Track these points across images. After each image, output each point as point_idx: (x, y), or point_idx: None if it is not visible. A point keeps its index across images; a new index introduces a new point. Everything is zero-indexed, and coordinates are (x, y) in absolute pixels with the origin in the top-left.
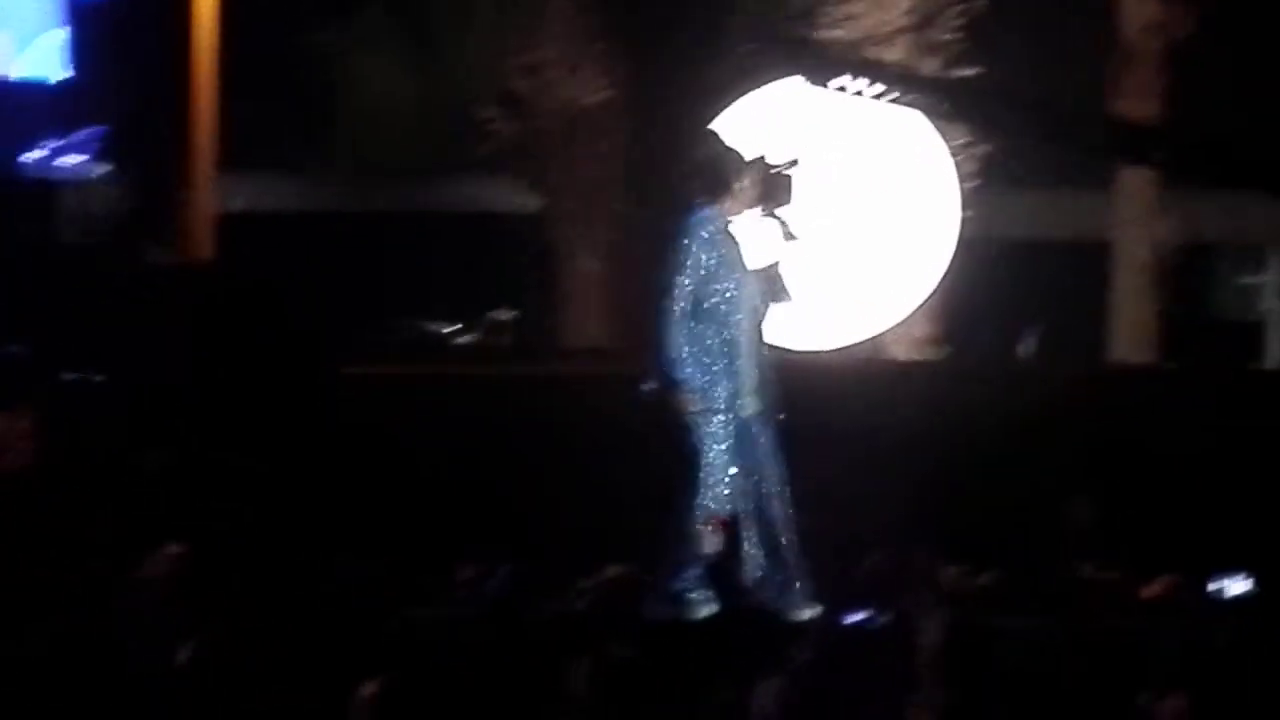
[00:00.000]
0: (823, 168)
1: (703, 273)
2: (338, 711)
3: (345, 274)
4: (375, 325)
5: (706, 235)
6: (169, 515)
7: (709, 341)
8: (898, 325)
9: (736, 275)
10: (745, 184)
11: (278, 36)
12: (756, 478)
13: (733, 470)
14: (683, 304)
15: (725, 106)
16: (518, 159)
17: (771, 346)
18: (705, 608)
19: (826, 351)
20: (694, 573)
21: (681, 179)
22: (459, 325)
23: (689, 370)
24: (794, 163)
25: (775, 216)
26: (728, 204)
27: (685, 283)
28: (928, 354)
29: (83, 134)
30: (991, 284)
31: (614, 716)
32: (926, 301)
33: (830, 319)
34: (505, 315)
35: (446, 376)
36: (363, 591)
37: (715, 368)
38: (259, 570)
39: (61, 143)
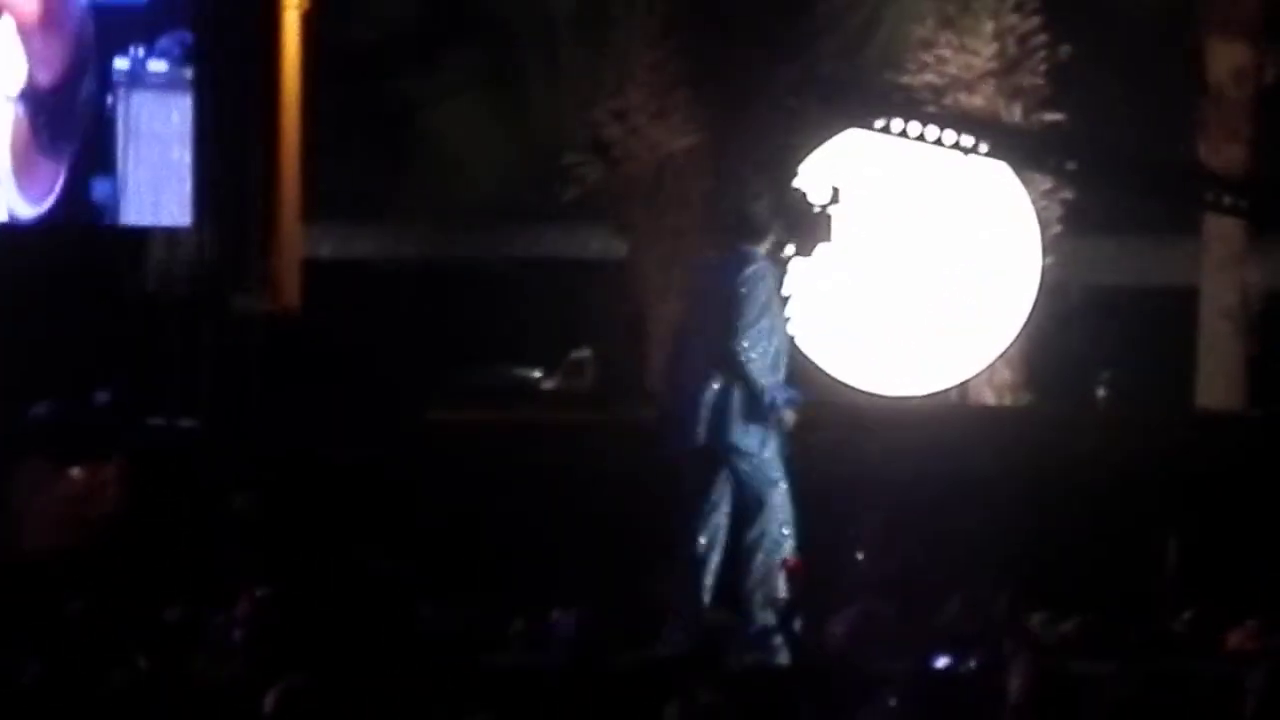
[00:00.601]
0: (907, 214)
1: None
2: None
3: (430, 320)
4: (461, 372)
5: (761, 277)
6: (255, 560)
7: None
8: (984, 371)
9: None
10: (778, 226)
11: (363, 86)
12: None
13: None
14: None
15: (811, 151)
16: (604, 205)
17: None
18: (782, 653)
19: (915, 397)
20: (766, 616)
21: (721, 226)
22: (543, 371)
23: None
24: (833, 200)
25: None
26: (765, 246)
27: (763, 324)
28: (1014, 399)
29: None
30: (1077, 330)
31: None
32: (1011, 347)
33: (919, 365)
34: (582, 354)
35: (529, 422)
36: (447, 637)
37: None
38: (344, 615)
39: None
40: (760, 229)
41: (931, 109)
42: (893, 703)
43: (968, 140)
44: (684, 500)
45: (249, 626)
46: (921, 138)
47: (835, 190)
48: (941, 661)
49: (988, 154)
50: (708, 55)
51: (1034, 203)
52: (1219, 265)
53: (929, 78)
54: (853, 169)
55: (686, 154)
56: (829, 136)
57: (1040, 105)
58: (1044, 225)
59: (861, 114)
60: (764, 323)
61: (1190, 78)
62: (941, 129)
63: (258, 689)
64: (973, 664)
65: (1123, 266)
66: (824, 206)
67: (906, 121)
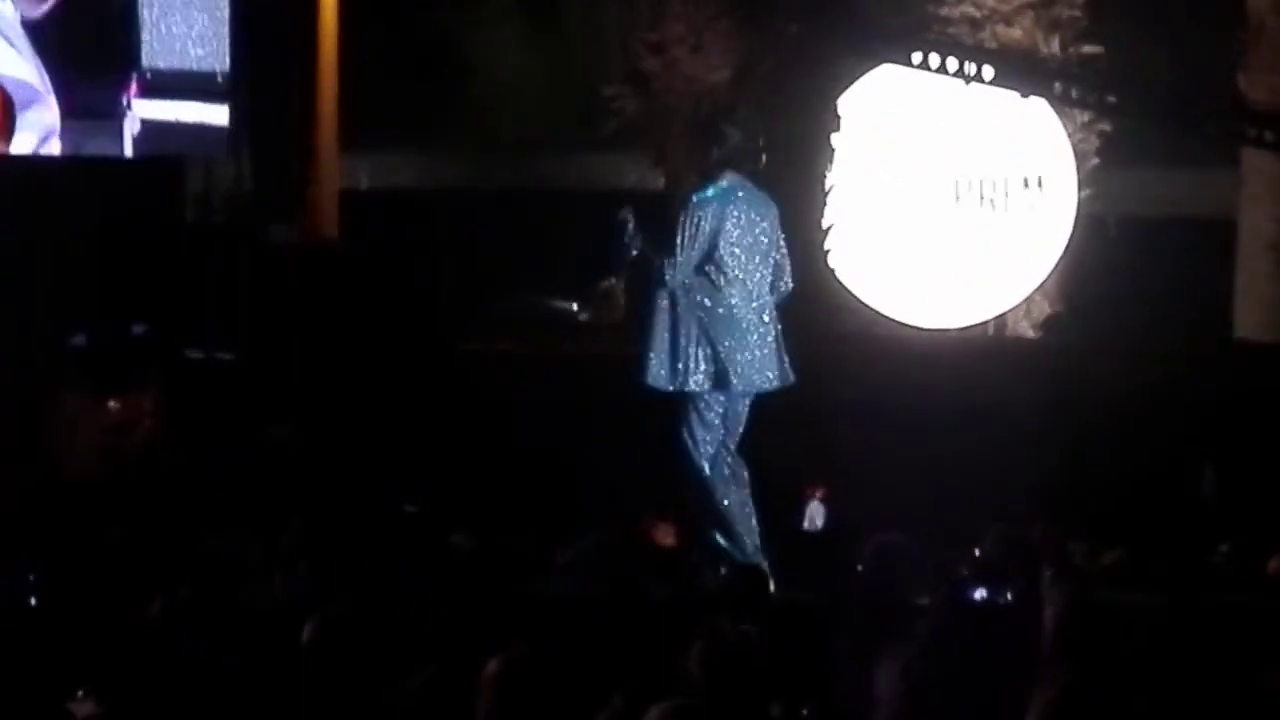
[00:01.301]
0: (945, 146)
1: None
2: (464, 688)
3: (469, 251)
4: (498, 301)
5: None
6: (292, 490)
7: None
8: (1021, 304)
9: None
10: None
11: (402, 15)
12: None
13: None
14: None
15: (849, 84)
16: (642, 136)
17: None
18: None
19: (952, 330)
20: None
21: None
22: (578, 302)
23: None
24: (834, 125)
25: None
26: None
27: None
28: (1051, 332)
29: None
30: (1114, 262)
31: (730, 695)
32: (1049, 280)
33: (956, 297)
34: (610, 284)
35: (563, 354)
36: (481, 567)
37: None
38: (379, 546)
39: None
40: (728, 153)
41: (967, 43)
42: (927, 635)
43: (1002, 75)
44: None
45: (287, 556)
46: (957, 73)
47: (836, 117)
48: (978, 593)
49: (1022, 89)
50: None
51: (1071, 135)
52: (1257, 197)
53: (966, 10)
54: (889, 101)
55: (722, 87)
56: (864, 71)
57: (1079, 38)
58: (1081, 157)
59: (895, 49)
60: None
61: (1229, 8)
62: (977, 64)
63: (297, 618)
64: (1009, 595)
65: (1160, 198)
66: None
67: (943, 57)
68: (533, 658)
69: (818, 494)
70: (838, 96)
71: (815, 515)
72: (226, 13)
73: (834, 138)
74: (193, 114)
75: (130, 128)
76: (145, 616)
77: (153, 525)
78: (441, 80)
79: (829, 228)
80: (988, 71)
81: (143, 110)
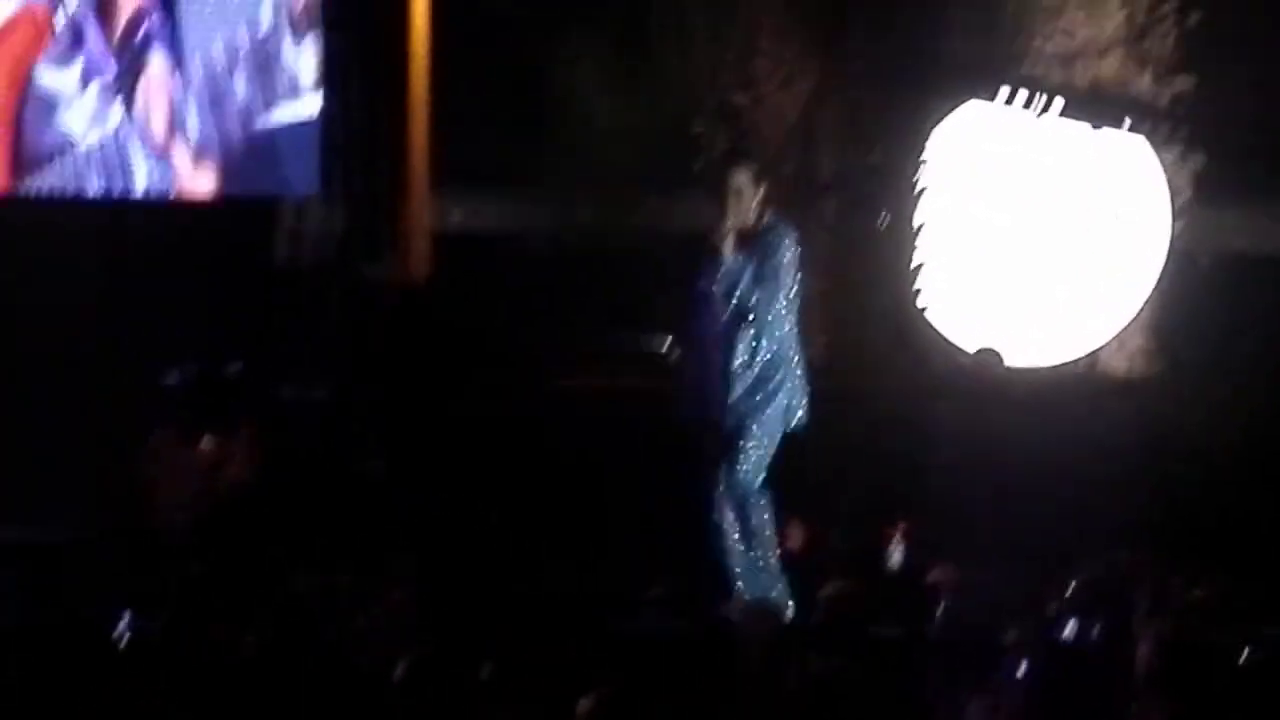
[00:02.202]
0: (1037, 181)
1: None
2: None
3: (560, 291)
4: (590, 341)
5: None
6: (388, 527)
7: None
8: (1114, 340)
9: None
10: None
11: (493, 53)
12: None
13: None
14: None
15: (940, 119)
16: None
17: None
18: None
19: (1045, 368)
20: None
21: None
22: (671, 339)
23: None
24: (919, 169)
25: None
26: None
27: None
28: (1144, 369)
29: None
30: (1208, 298)
31: None
32: (1141, 315)
33: (1049, 335)
34: None
35: (651, 390)
36: (576, 602)
37: None
38: (475, 581)
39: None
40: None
41: (1056, 81)
42: (1018, 672)
43: (1093, 114)
44: None
45: (388, 592)
46: (1025, 106)
47: (923, 161)
48: (1069, 629)
49: (1112, 126)
50: (833, 21)
51: (1163, 169)
52: None
53: (1057, 46)
54: (980, 132)
55: (811, 121)
56: (954, 108)
57: (1169, 72)
58: (1174, 192)
59: (979, 89)
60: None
61: None
62: (1066, 102)
63: (389, 659)
64: (1101, 632)
65: (1253, 234)
66: (911, 178)
67: (1031, 95)
68: (624, 696)
69: (897, 532)
70: (926, 133)
71: (895, 553)
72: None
73: (920, 174)
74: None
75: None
76: (238, 653)
77: (243, 564)
78: (533, 118)
79: (919, 267)
80: (1058, 105)
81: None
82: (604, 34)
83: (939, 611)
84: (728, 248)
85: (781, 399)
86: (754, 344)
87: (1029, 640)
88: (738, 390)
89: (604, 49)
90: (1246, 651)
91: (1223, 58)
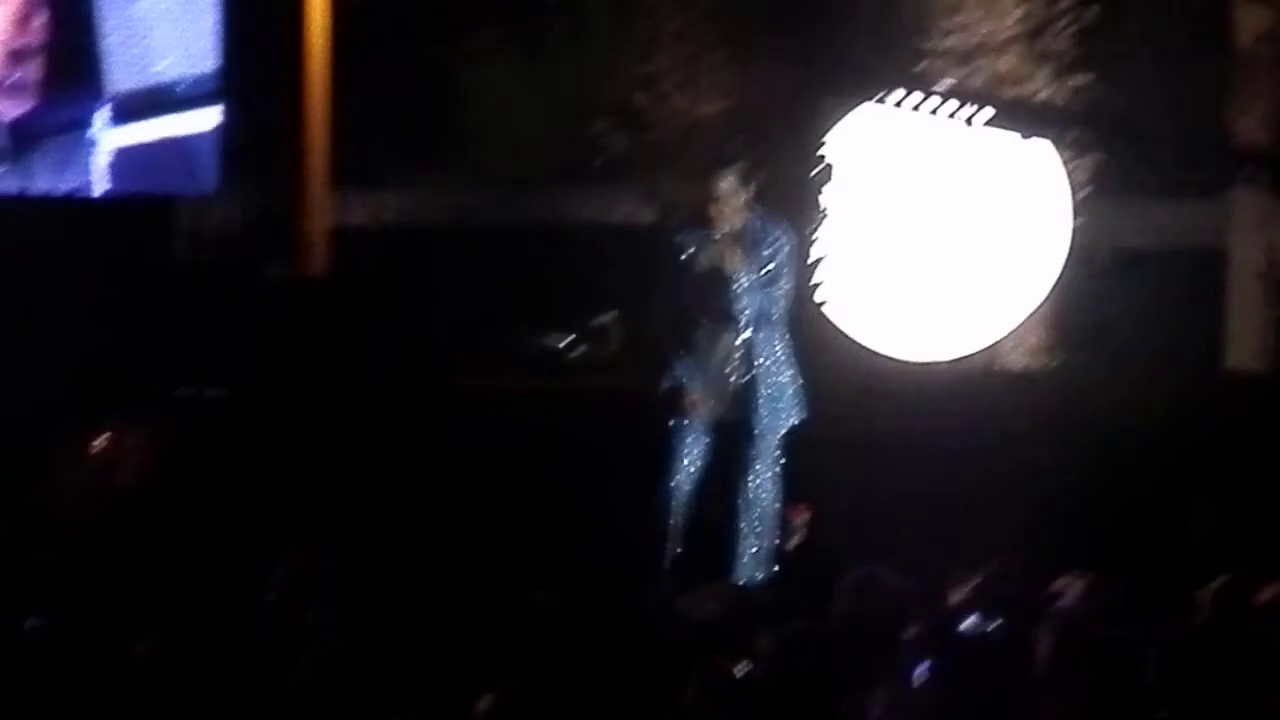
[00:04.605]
0: (935, 176)
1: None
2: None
3: (460, 287)
4: (490, 339)
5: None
6: (286, 525)
7: None
8: (1012, 335)
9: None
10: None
11: (392, 49)
12: None
13: None
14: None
15: (840, 117)
16: (632, 171)
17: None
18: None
19: (942, 361)
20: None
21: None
22: (572, 337)
23: None
24: (824, 173)
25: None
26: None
27: None
28: (1042, 363)
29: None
30: (1105, 292)
31: None
32: (1040, 310)
33: (946, 329)
34: (606, 319)
35: (558, 389)
36: (473, 604)
37: None
38: (373, 578)
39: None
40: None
41: (951, 82)
42: (920, 668)
43: (986, 113)
44: None
45: (284, 589)
46: (934, 112)
47: (828, 167)
48: (969, 624)
49: (1005, 127)
50: (734, 22)
51: (1062, 164)
52: (1247, 226)
53: (954, 43)
54: (878, 129)
55: (713, 120)
56: (853, 107)
57: (1068, 68)
58: (1073, 187)
59: (874, 89)
60: None
61: (1218, 39)
62: (961, 103)
63: (292, 652)
64: (997, 627)
65: (1150, 228)
66: (817, 184)
67: (924, 96)
68: (526, 694)
69: (802, 514)
70: (824, 132)
71: (798, 530)
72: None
73: (819, 172)
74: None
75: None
76: (140, 653)
77: (141, 563)
78: (432, 116)
79: (816, 262)
80: (985, 114)
81: (112, 140)
82: (505, 31)
83: (840, 605)
84: (725, 253)
85: (786, 397)
86: (764, 346)
87: (929, 636)
88: (752, 391)
89: (505, 46)
90: (1145, 647)
91: (1121, 53)
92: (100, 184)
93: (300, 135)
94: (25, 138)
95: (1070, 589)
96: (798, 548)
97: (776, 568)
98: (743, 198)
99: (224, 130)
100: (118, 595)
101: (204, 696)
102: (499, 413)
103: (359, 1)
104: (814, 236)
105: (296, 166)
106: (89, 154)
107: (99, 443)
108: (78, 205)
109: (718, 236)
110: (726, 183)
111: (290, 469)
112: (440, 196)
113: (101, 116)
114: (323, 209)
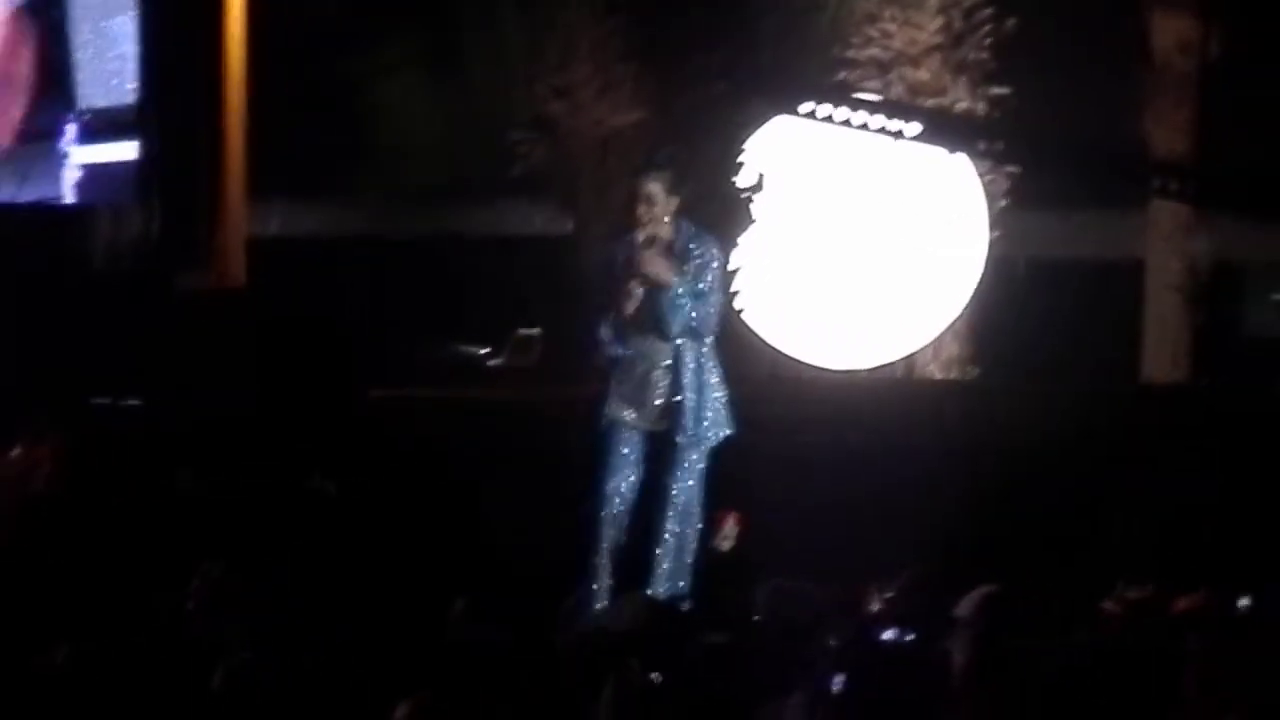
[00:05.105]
0: (853, 186)
1: None
2: None
3: (377, 297)
4: (407, 349)
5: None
6: (199, 537)
7: None
8: (930, 344)
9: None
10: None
11: (309, 62)
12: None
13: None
14: None
15: (756, 128)
16: (548, 181)
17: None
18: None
19: (861, 370)
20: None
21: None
22: (489, 348)
23: None
24: (756, 186)
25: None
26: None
27: None
28: (960, 373)
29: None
30: (1023, 303)
31: None
32: (958, 321)
33: (865, 338)
34: (530, 332)
35: (475, 400)
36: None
37: None
38: (286, 591)
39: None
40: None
41: (865, 94)
42: (836, 680)
43: (902, 126)
44: None
45: (198, 603)
46: (853, 124)
47: (760, 177)
48: (885, 634)
49: (924, 139)
50: (650, 31)
51: (980, 176)
52: (1166, 237)
53: (874, 52)
54: (797, 139)
55: (629, 130)
56: (768, 117)
57: (986, 79)
58: (990, 199)
59: (793, 101)
60: None
61: (1136, 50)
62: (874, 114)
63: (205, 665)
64: (918, 636)
65: (1068, 240)
66: (748, 193)
67: (837, 107)
68: (439, 704)
69: (731, 518)
70: (743, 141)
71: (728, 537)
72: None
73: (741, 182)
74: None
75: (69, 174)
76: (51, 664)
77: (52, 577)
78: (348, 127)
79: (735, 270)
80: (913, 129)
81: (81, 155)
82: (419, 43)
83: (757, 617)
84: (650, 263)
85: (716, 409)
86: (692, 358)
87: (846, 646)
88: (680, 403)
89: (419, 58)
90: (1061, 656)
91: (1037, 66)
92: (68, 197)
93: (218, 145)
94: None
95: (982, 600)
96: (716, 557)
97: (695, 578)
98: (671, 205)
99: (142, 140)
100: (29, 606)
101: (116, 708)
102: (414, 423)
103: (276, 14)
104: (735, 246)
105: (213, 177)
106: (59, 166)
107: (11, 454)
108: None
109: (642, 241)
110: (654, 187)
111: (203, 480)
112: (356, 208)
113: (71, 131)
114: (238, 220)
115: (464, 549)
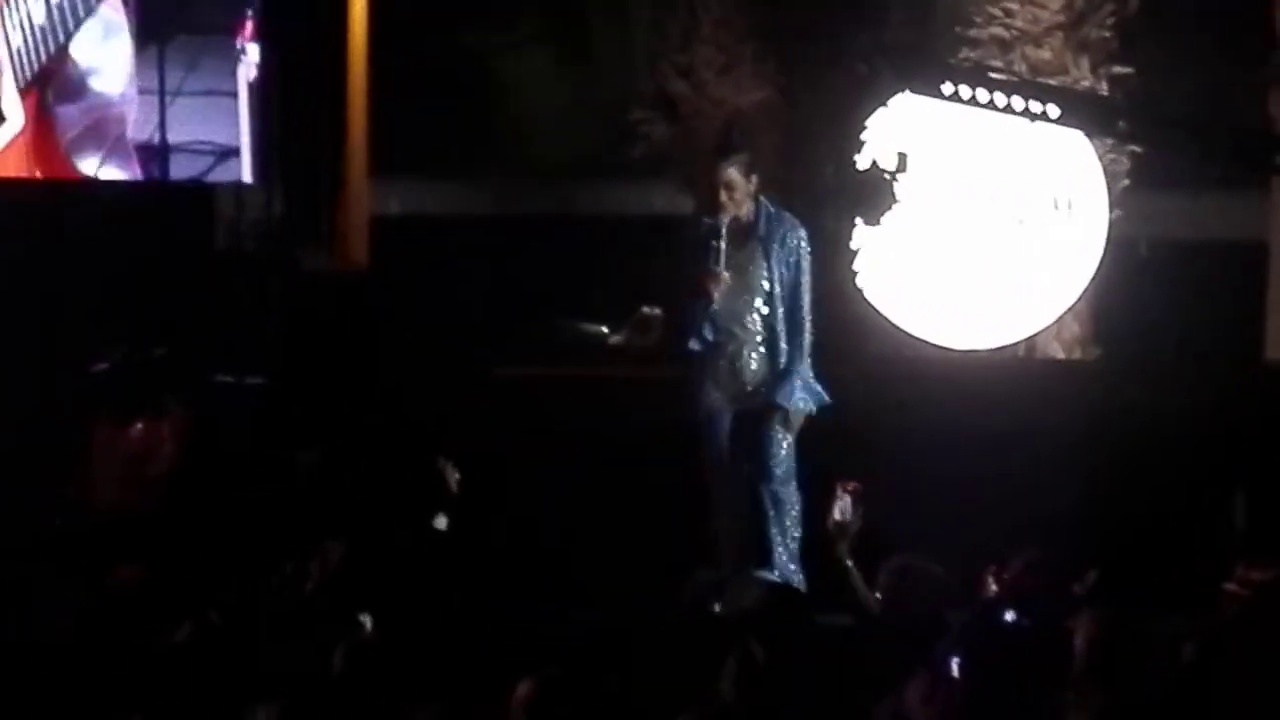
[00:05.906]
0: (975, 166)
1: None
2: (495, 711)
3: (498, 277)
4: (528, 328)
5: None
6: (321, 518)
7: None
8: (1051, 325)
9: None
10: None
11: (431, 40)
12: None
13: None
14: None
15: (875, 110)
16: (669, 161)
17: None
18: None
19: (982, 350)
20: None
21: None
22: (610, 327)
23: None
24: (900, 167)
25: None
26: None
27: None
28: (1082, 353)
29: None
30: (1145, 284)
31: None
32: (1079, 302)
33: (986, 319)
34: (651, 311)
35: (597, 378)
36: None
37: None
38: (407, 573)
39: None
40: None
41: (998, 75)
42: (955, 661)
43: (1035, 106)
44: None
45: (319, 582)
46: (996, 106)
47: (903, 157)
48: (1007, 615)
49: (1062, 121)
50: (774, 11)
51: (1102, 156)
52: None
53: (995, 31)
54: (920, 120)
55: (752, 110)
56: (893, 96)
57: (1108, 59)
58: (1112, 179)
59: (926, 81)
60: None
61: (1260, 29)
62: (1008, 95)
63: (328, 644)
64: (1036, 619)
65: (1191, 220)
66: (891, 174)
67: (973, 89)
68: (564, 680)
69: (849, 488)
70: (864, 119)
71: (846, 509)
72: None
73: (859, 163)
74: None
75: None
76: (173, 642)
77: (174, 554)
78: (471, 106)
79: (857, 249)
80: (1053, 110)
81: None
82: (543, 22)
83: (880, 595)
84: (740, 241)
85: (804, 386)
86: (782, 336)
87: (966, 626)
88: (771, 380)
89: (544, 34)
90: (1183, 636)
91: (1160, 46)
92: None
93: (340, 124)
94: None
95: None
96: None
97: (813, 555)
98: (751, 187)
99: (263, 117)
100: (152, 584)
101: (237, 686)
102: (536, 401)
103: None
104: (854, 226)
105: (335, 157)
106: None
107: (132, 431)
108: (116, 193)
109: (727, 223)
110: (732, 172)
111: (325, 460)
112: (478, 187)
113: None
114: (361, 199)
115: (586, 527)
